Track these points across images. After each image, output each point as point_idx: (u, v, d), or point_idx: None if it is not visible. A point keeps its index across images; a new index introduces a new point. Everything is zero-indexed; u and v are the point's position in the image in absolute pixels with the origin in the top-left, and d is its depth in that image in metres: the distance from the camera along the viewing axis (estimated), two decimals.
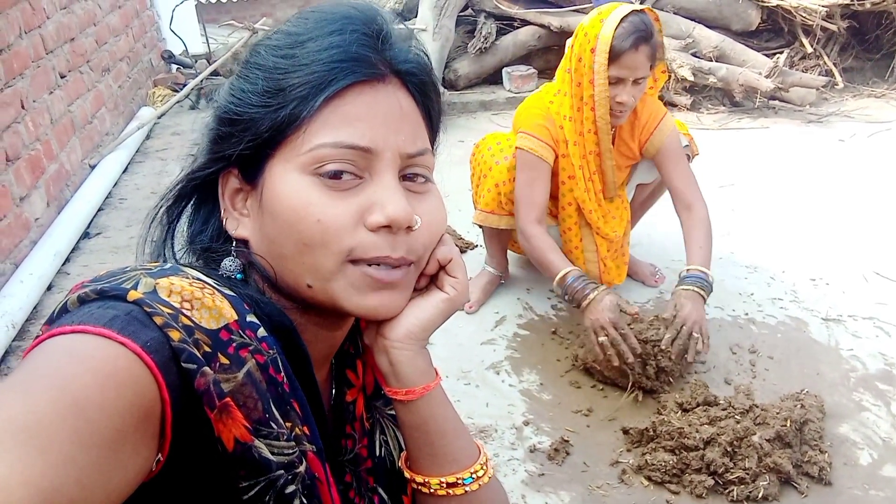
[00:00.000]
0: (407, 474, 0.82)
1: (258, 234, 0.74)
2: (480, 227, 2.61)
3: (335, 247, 0.69)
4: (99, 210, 3.31)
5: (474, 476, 0.80)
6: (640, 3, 4.72)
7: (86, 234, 3.09)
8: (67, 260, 2.87)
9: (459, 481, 0.79)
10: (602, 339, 2.09)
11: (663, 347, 2.07)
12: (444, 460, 0.80)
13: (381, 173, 0.71)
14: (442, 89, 4.74)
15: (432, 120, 0.79)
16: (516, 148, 2.37)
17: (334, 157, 0.69)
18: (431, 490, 0.80)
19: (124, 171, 3.75)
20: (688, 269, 2.23)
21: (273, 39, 0.73)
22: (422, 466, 0.81)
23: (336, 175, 0.69)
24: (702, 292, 2.17)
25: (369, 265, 0.71)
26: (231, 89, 0.74)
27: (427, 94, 0.77)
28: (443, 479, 0.79)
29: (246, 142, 0.71)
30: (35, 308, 2.52)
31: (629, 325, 2.11)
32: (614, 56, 2.15)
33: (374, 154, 0.70)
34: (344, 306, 0.71)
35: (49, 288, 2.66)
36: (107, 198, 3.43)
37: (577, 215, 2.48)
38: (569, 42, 2.34)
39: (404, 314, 0.77)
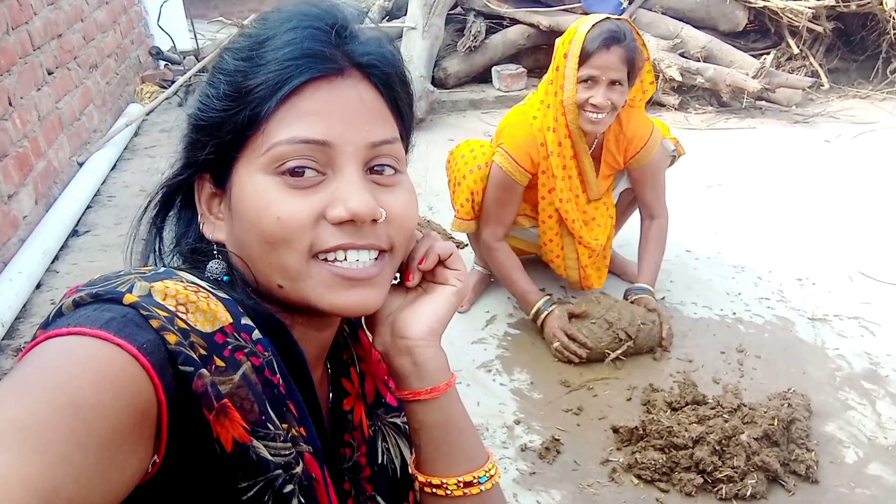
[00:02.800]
0: (422, 478, 0.82)
1: (231, 238, 0.75)
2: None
3: (297, 244, 0.69)
4: (87, 207, 3.29)
5: (489, 474, 0.80)
6: (629, 3, 4.75)
7: (74, 232, 3.07)
8: (56, 258, 2.86)
9: (476, 480, 0.79)
10: (556, 345, 2.33)
11: (663, 346, 2.37)
12: (461, 458, 0.80)
13: (342, 168, 0.70)
14: (431, 87, 4.67)
15: (401, 112, 0.78)
16: (493, 162, 2.38)
17: (292, 154, 0.68)
18: (448, 491, 0.79)
19: (113, 169, 3.73)
20: (642, 284, 2.49)
21: (236, 43, 0.74)
22: (439, 468, 0.80)
23: (296, 172, 0.69)
24: (646, 297, 2.45)
25: (334, 261, 0.71)
26: (199, 95, 0.74)
27: (391, 87, 0.75)
28: (460, 479, 0.79)
29: (210, 146, 0.72)
30: (24, 306, 2.51)
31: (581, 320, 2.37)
32: (585, 57, 2.18)
33: (332, 148, 0.70)
34: (318, 306, 0.71)
35: (38, 286, 2.64)
36: (95, 195, 3.41)
37: (558, 226, 2.51)
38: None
39: (422, 312, 0.78)
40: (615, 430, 2.02)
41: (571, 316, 2.36)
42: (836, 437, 2.01)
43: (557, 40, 2.31)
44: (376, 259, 0.74)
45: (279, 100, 0.68)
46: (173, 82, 4.66)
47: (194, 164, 0.74)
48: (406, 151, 0.80)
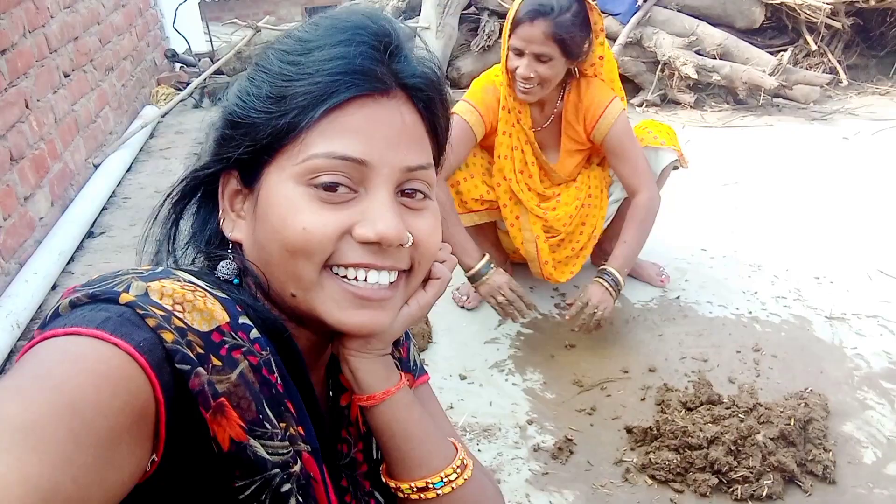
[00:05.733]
0: (384, 479, 0.83)
1: (251, 239, 0.74)
2: None
3: (317, 256, 0.69)
4: (103, 209, 3.31)
5: (445, 480, 0.80)
6: (644, 1, 4.71)
7: (90, 234, 3.09)
8: (72, 259, 2.88)
9: (430, 485, 0.79)
10: (500, 299, 2.28)
11: (566, 319, 2.29)
12: (412, 465, 0.80)
13: (376, 188, 0.70)
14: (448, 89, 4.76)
15: (438, 136, 0.78)
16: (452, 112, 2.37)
17: (328, 169, 0.68)
18: (405, 494, 0.80)
19: (128, 170, 3.75)
20: (605, 267, 2.31)
21: (283, 44, 0.73)
22: (393, 471, 0.81)
23: (330, 187, 0.68)
24: (611, 289, 2.26)
25: (353, 279, 0.71)
26: (238, 91, 0.74)
27: (433, 110, 0.75)
28: (413, 484, 0.80)
29: (245, 146, 0.71)
30: (39, 307, 2.53)
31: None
32: (514, 26, 2.15)
33: (369, 167, 0.69)
34: (326, 320, 0.71)
35: (54, 287, 2.66)
36: (111, 197, 3.43)
37: (511, 192, 2.46)
38: None
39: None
40: (629, 430, 2.00)
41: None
42: (854, 437, 1.98)
43: None
44: (393, 282, 0.74)
45: (322, 112, 0.68)
46: (188, 84, 4.69)
47: (225, 160, 0.74)
48: (437, 173, 0.80)
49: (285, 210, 0.69)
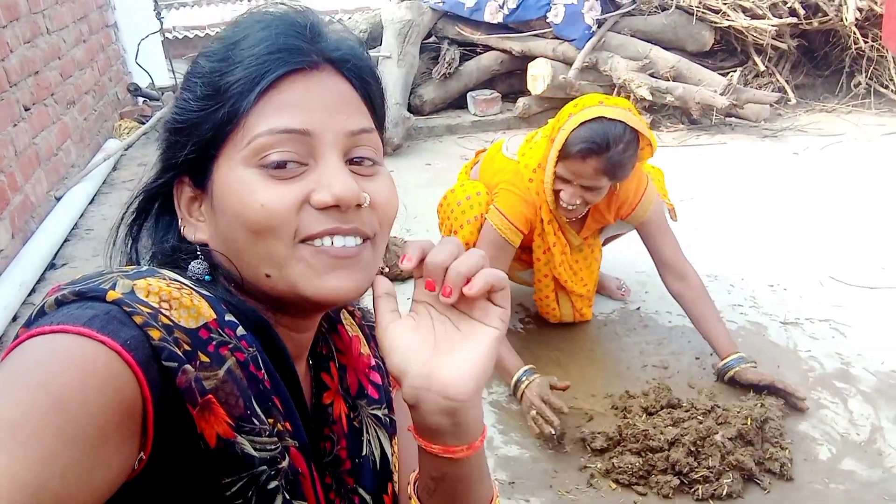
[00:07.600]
0: None
1: (215, 236, 0.75)
2: None
3: (282, 231, 0.69)
4: (65, 241, 3.29)
5: None
6: (598, 27, 4.85)
7: (52, 265, 3.07)
8: (33, 291, 2.85)
9: None
10: (532, 413, 2.05)
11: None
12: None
13: (324, 156, 0.71)
14: (407, 114, 4.68)
15: (374, 104, 0.79)
16: (485, 217, 2.30)
17: (273, 145, 0.69)
18: None
19: (91, 202, 3.74)
20: (724, 360, 2.23)
21: (209, 48, 0.75)
22: None
23: (280, 165, 0.69)
24: (752, 365, 2.21)
25: (321, 241, 0.71)
26: (175, 102, 0.75)
27: (364, 79, 0.77)
28: None
29: (190, 145, 0.72)
30: (0, 339, 2.50)
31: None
32: (563, 155, 2.08)
33: (313, 137, 0.70)
34: (304, 292, 0.71)
35: (14, 318, 2.64)
36: (73, 229, 3.42)
37: (553, 284, 2.47)
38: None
39: (465, 365, 0.69)
40: (593, 437, 2.03)
41: (553, 388, 2.11)
42: (809, 435, 2.04)
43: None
44: (360, 246, 0.73)
45: (258, 94, 0.69)
46: (151, 118, 4.70)
47: (173, 166, 0.74)
48: (382, 144, 0.80)
49: (241, 193, 0.69)
